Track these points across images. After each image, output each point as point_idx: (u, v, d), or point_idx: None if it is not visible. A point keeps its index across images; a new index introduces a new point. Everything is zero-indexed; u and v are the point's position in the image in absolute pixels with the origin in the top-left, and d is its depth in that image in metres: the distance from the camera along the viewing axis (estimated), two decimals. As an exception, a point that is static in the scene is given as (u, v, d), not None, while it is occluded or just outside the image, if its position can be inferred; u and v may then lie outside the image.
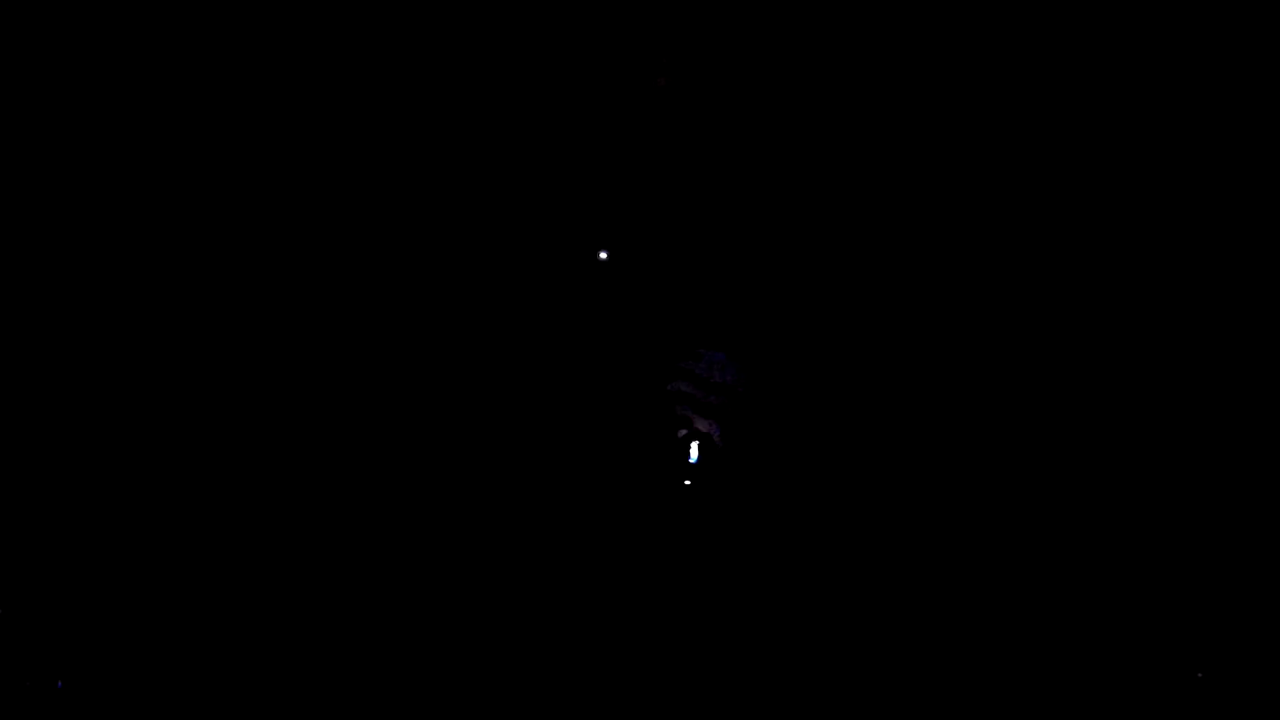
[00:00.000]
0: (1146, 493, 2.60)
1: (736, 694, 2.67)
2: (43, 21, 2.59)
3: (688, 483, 2.77)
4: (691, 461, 2.77)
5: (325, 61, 2.64)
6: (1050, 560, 2.64)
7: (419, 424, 2.70)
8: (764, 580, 2.71)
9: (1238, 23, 2.53)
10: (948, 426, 2.67)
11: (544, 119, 2.70)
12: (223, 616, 2.56)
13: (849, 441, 2.66)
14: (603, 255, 2.62)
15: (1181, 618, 2.50)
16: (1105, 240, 2.69)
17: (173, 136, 2.64)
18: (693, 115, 2.72)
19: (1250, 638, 2.48)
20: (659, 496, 2.76)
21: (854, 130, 2.72)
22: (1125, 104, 2.65)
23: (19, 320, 2.56)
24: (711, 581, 2.72)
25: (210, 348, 2.64)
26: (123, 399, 2.61)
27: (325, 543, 2.64)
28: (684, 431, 2.79)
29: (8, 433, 2.54)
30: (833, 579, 2.67)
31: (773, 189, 2.72)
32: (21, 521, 2.52)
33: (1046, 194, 2.71)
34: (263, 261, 2.66)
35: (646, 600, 2.71)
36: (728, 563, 2.71)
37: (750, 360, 2.69)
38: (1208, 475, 2.54)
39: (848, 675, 2.67)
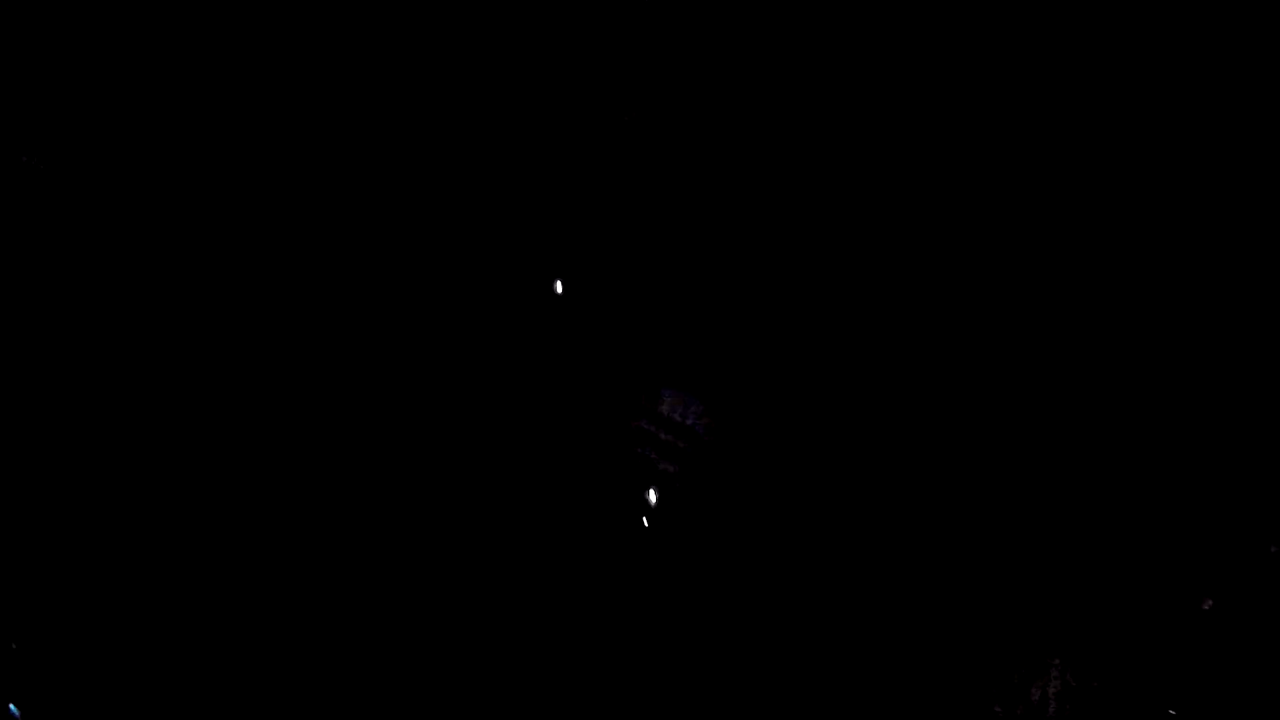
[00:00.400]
0: (1138, 497, 2.50)
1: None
2: (43, 22, 2.58)
3: (646, 522, 2.72)
4: (651, 501, 2.71)
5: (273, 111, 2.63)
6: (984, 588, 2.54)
7: (382, 461, 2.68)
8: (724, 617, 2.65)
9: (1237, 23, 2.37)
10: (906, 468, 2.59)
11: (507, 158, 2.66)
12: (214, 617, 2.55)
13: (808, 480, 2.59)
14: (558, 286, 2.55)
15: (1178, 618, 2.42)
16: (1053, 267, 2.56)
17: (173, 138, 2.63)
18: (656, 156, 2.67)
19: (1247, 642, 2.38)
20: (619, 535, 2.72)
21: (811, 177, 2.64)
22: (1123, 105, 2.53)
23: (19, 320, 2.55)
24: (670, 618, 2.68)
25: (189, 358, 2.63)
26: (123, 399, 2.60)
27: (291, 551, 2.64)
28: (644, 470, 2.73)
29: (8, 433, 2.53)
30: (792, 615, 2.60)
31: (735, 231, 2.66)
32: (21, 521, 2.50)
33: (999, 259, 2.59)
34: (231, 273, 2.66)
35: (605, 636, 2.67)
36: (686, 599, 2.67)
37: (711, 400, 2.62)
38: (1207, 475, 2.44)
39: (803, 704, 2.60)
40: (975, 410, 2.69)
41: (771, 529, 2.74)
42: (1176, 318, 2.56)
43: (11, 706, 2.44)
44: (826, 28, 2.59)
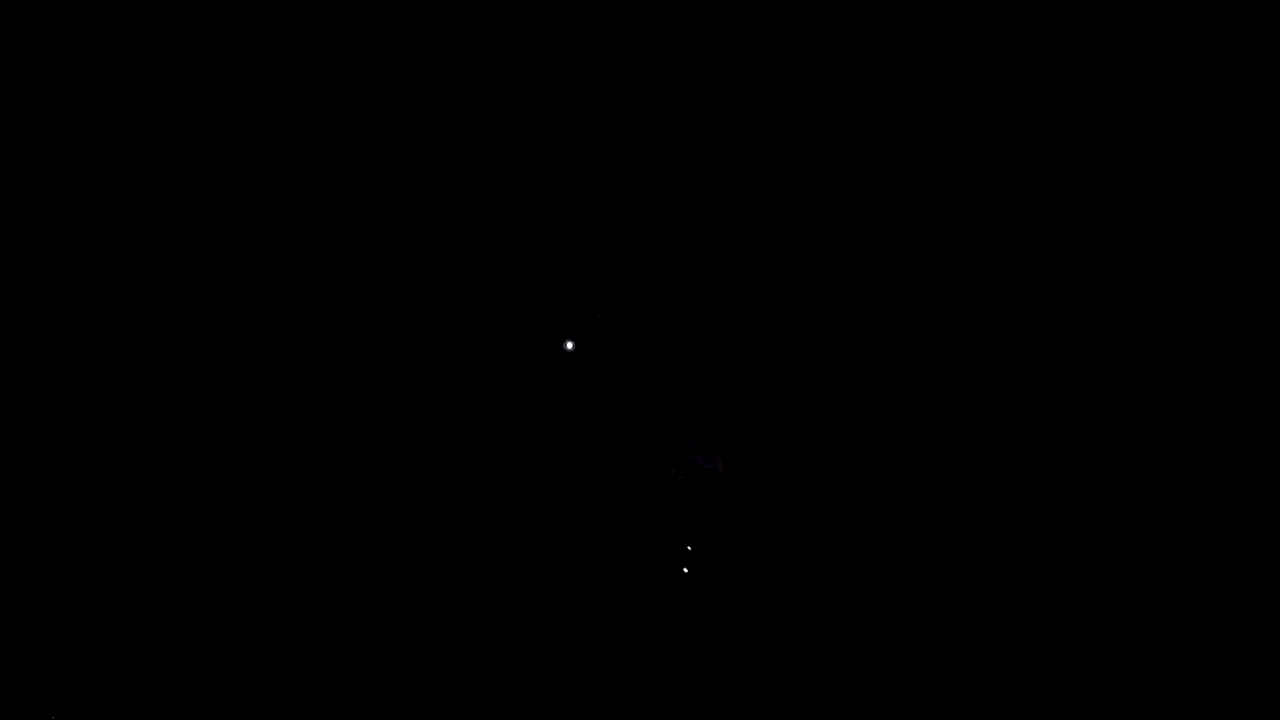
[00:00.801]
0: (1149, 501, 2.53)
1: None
2: (43, 22, 2.57)
3: (685, 570, 2.69)
4: (689, 549, 2.68)
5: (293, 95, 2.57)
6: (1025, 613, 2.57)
7: (426, 507, 2.65)
8: (759, 660, 2.65)
9: (1238, 23, 2.36)
10: (934, 518, 2.59)
11: (524, 213, 2.61)
12: (221, 617, 2.51)
13: (839, 523, 2.58)
14: (569, 345, 2.48)
15: (1181, 618, 2.46)
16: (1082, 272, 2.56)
17: (174, 138, 2.64)
18: (665, 208, 2.62)
19: (1250, 639, 2.43)
20: (658, 581, 2.70)
21: (824, 228, 2.60)
22: (1125, 105, 2.52)
23: (19, 320, 2.53)
24: (709, 661, 2.67)
25: (206, 349, 2.60)
26: (123, 399, 2.59)
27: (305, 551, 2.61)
28: (676, 516, 2.69)
29: (8, 433, 2.50)
30: (825, 657, 2.61)
31: (758, 281, 2.62)
32: (21, 522, 2.48)
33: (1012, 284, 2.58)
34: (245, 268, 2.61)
35: (643, 680, 2.66)
36: (727, 644, 2.66)
37: (742, 446, 2.59)
38: (1207, 475, 2.48)
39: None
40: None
41: (797, 563, 2.73)
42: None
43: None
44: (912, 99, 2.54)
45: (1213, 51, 2.44)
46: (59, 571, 2.49)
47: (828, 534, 2.68)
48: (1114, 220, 2.58)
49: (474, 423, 2.69)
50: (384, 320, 2.64)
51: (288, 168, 2.65)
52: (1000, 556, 2.58)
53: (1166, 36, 2.45)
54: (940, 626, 2.59)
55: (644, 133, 2.67)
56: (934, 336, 2.64)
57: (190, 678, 2.52)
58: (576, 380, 2.61)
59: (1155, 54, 2.48)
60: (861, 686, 2.62)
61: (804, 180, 2.70)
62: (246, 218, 2.66)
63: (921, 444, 2.65)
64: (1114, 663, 2.51)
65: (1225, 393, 2.51)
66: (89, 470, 2.55)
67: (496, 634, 2.67)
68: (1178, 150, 2.52)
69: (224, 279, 2.66)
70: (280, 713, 2.46)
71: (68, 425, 2.55)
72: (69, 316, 2.58)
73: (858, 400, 2.67)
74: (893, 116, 2.65)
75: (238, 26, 2.62)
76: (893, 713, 2.58)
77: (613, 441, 2.67)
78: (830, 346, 2.67)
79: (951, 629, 2.58)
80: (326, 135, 2.66)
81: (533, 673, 2.65)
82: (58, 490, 2.52)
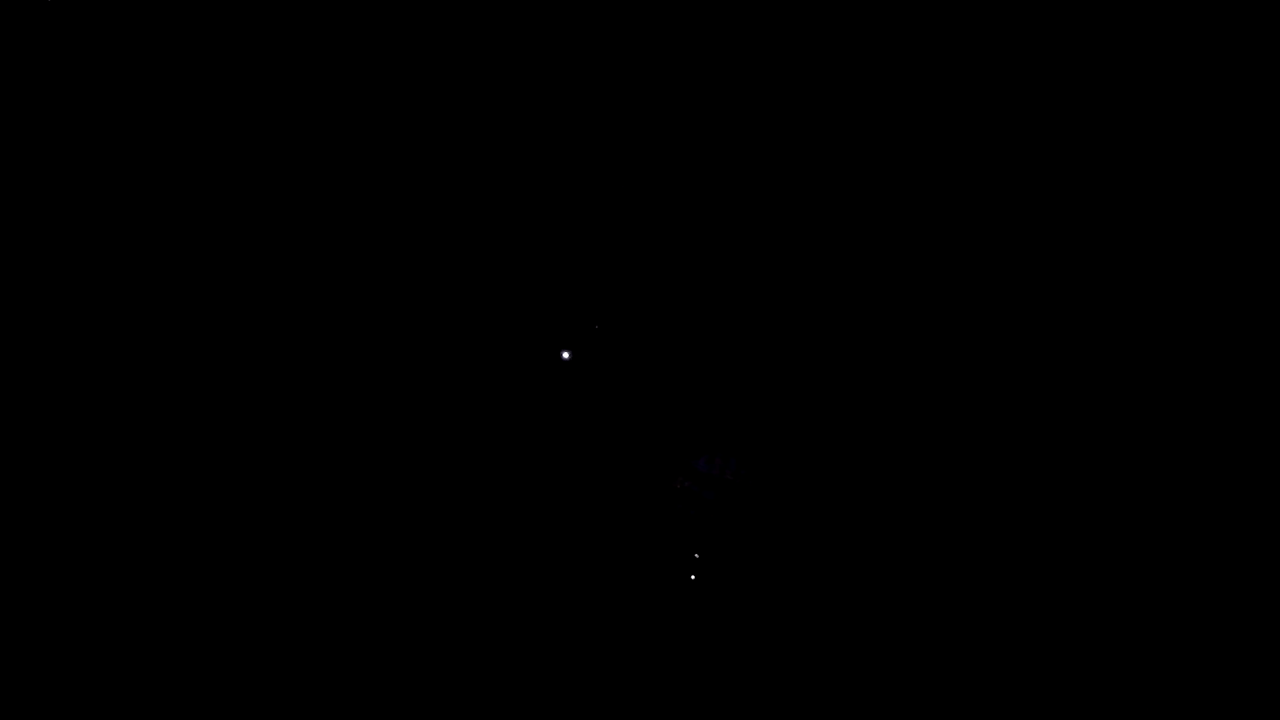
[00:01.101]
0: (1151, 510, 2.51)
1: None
2: (44, 22, 2.58)
3: (693, 578, 2.68)
4: (695, 555, 2.67)
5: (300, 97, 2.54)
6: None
7: (434, 512, 2.65)
8: (762, 666, 2.65)
9: (1238, 23, 2.31)
10: (934, 522, 2.57)
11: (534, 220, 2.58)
12: (222, 617, 2.52)
13: (845, 531, 2.57)
14: (565, 355, 2.43)
15: (1181, 618, 2.45)
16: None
17: (174, 138, 2.65)
18: (671, 221, 2.59)
19: (1250, 638, 2.42)
20: (662, 585, 2.69)
21: (832, 244, 2.56)
22: (1125, 105, 2.47)
23: (19, 320, 2.53)
24: (710, 667, 2.67)
25: (209, 349, 2.61)
26: (123, 399, 2.59)
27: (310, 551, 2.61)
28: (685, 522, 2.68)
29: (9, 433, 2.49)
30: (827, 664, 2.61)
31: (765, 294, 2.60)
32: (21, 522, 2.47)
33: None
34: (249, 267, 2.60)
35: (647, 686, 2.66)
36: (732, 648, 2.66)
37: (745, 456, 2.58)
38: (1208, 475, 2.46)
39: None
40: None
41: (802, 571, 2.72)
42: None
43: None
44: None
45: (1213, 52, 2.39)
46: (59, 571, 2.51)
47: (833, 543, 2.65)
48: (1113, 221, 2.54)
49: (481, 433, 2.67)
50: (389, 333, 2.61)
51: (291, 178, 2.62)
52: (1007, 568, 2.56)
53: (1166, 37, 2.41)
54: (943, 630, 2.58)
55: (648, 144, 2.63)
56: (940, 349, 2.61)
57: (190, 677, 2.53)
58: (585, 390, 2.59)
59: (1155, 54, 2.43)
60: (866, 689, 2.61)
61: (816, 201, 2.66)
62: (247, 226, 2.64)
63: (926, 451, 2.63)
64: (1113, 662, 2.49)
65: (1224, 393, 2.48)
66: (89, 470, 2.56)
67: (506, 638, 2.66)
68: (1178, 151, 2.48)
69: (224, 285, 2.64)
70: (280, 713, 2.46)
71: (68, 425, 2.57)
72: (69, 316, 2.59)
73: (864, 410, 2.64)
74: (899, 133, 2.60)
75: (238, 27, 2.59)
76: (893, 713, 2.57)
77: (620, 451, 2.64)
78: (837, 357, 2.64)
79: (954, 634, 2.56)
80: (329, 144, 2.63)
81: (541, 675, 2.64)
82: (58, 490, 2.55)
